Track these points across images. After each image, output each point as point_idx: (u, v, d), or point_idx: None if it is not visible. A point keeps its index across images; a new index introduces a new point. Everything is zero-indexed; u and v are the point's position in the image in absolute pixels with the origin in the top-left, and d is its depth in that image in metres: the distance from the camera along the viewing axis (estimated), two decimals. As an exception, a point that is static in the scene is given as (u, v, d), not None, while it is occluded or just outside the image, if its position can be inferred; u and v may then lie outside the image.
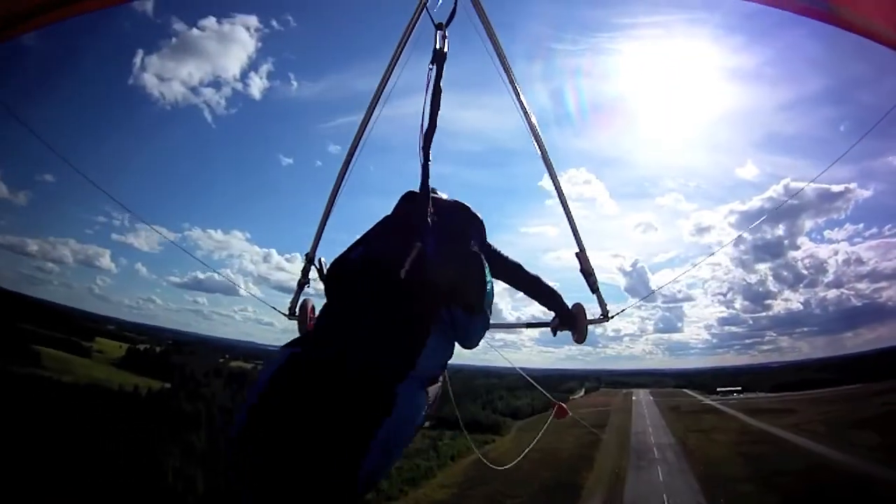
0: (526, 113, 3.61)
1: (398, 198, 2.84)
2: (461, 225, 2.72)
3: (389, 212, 2.82)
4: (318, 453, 1.88)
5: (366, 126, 3.74)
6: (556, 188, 3.83)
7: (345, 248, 2.70)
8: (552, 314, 3.52)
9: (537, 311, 3.50)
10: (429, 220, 2.54)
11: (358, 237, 2.72)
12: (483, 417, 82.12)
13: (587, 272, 3.83)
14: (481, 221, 2.85)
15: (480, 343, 2.59)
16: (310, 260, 3.98)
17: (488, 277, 2.53)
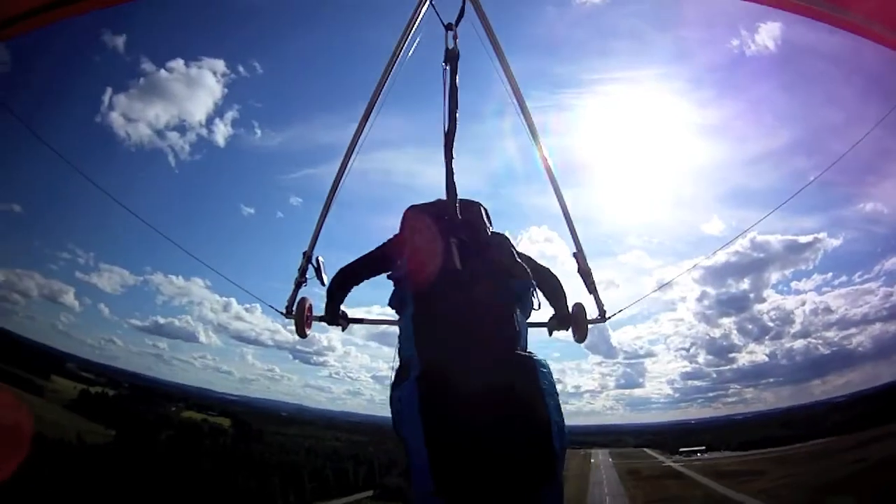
0: (524, 110, 3.75)
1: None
2: (476, 214, 3.04)
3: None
4: (518, 444, 2.13)
5: (365, 125, 3.80)
6: (554, 189, 3.95)
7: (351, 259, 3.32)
8: (548, 314, 3.54)
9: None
10: (458, 216, 2.86)
11: (364, 254, 3.27)
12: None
13: (585, 272, 3.89)
14: (486, 211, 3.12)
15: None
16: (308, 258, 4.03)
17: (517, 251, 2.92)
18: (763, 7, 3.45)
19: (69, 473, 54.80)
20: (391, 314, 3.20)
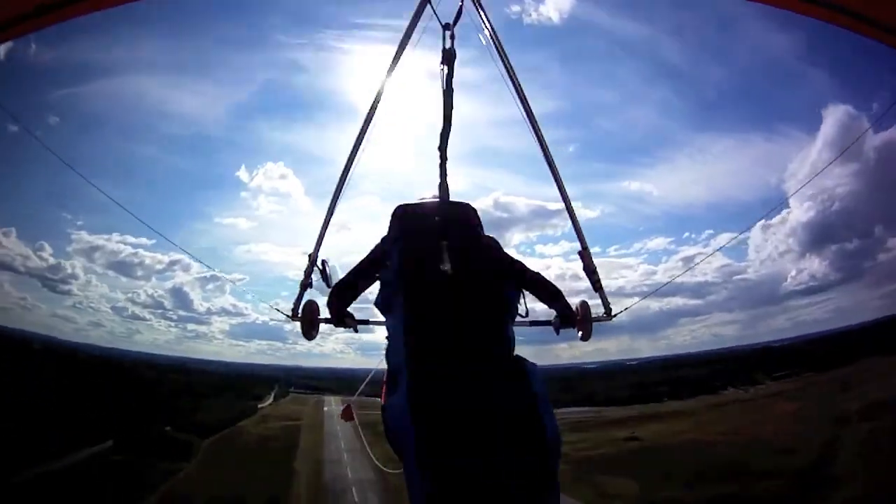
0: (529, 111, 3.72)
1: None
2: (468, 217, 3.06)
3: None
4: (509, 438, 2.08)
5: (367, 128, 3.81)
6: (558, 187, 3.93)
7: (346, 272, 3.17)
8: (552, 313, 3.55)
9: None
10: (449, 218, 2.86)
11: (356, 265, 3.10)
12: (168, 435, 65.41)
13: (590, 270, 3.93)
14: (477, 213, 3.13)
15: None
16: (312, 261, 4.09)
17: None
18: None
19: None
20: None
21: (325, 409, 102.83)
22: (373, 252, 3.10)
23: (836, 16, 3.20)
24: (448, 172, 3.12)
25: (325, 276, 3.90)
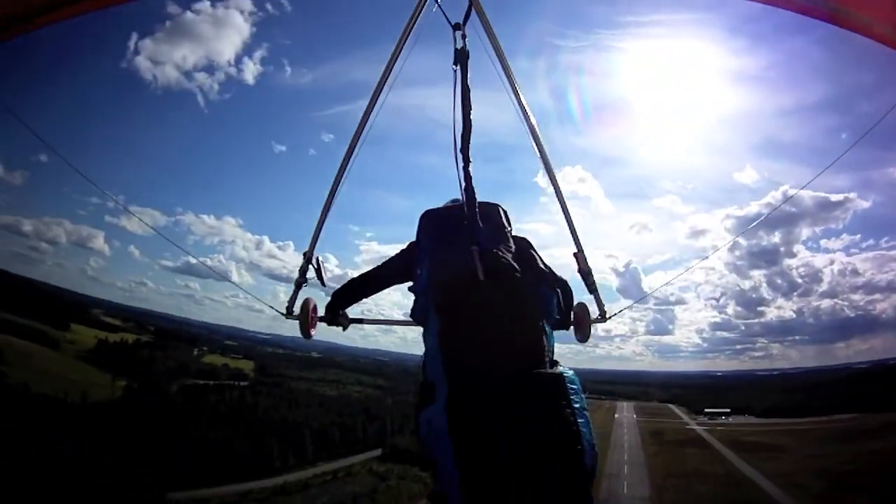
0: (525, 112, 3.64)
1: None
2: (496, 218, 2.92)
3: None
4: (551, 467, 2.09)
5: (365, 124, 3.72)
6: (554, 188, 3.89)
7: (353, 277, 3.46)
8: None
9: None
10: (479, 222, 2.75)
11: (370, 268, 3.35)
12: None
13: (585, 272, 3.85)
14: (506, 213, 3.01)
15: None
16: (308, 259, 3.97)
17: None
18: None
19: (59, 440, 51.62)
20: (390, 313, 3.59)
21: (616, 415, 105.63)
22: (398, 258, 3.20)
23: (838, 16, 3.22)
24: (472, 175, 2.92)
25: (319, 275, 3.90)
